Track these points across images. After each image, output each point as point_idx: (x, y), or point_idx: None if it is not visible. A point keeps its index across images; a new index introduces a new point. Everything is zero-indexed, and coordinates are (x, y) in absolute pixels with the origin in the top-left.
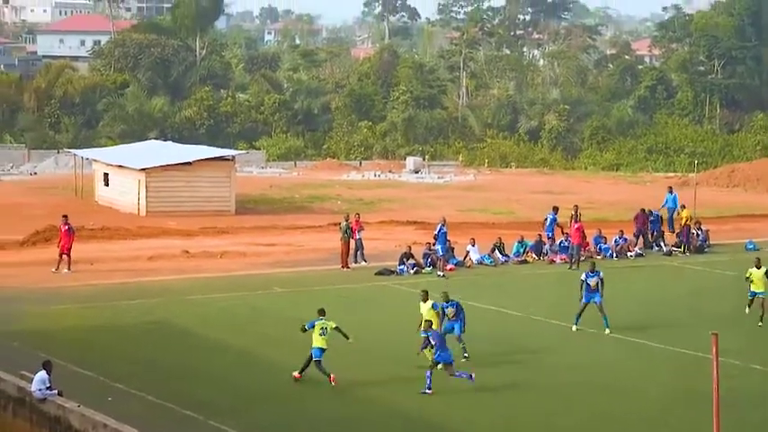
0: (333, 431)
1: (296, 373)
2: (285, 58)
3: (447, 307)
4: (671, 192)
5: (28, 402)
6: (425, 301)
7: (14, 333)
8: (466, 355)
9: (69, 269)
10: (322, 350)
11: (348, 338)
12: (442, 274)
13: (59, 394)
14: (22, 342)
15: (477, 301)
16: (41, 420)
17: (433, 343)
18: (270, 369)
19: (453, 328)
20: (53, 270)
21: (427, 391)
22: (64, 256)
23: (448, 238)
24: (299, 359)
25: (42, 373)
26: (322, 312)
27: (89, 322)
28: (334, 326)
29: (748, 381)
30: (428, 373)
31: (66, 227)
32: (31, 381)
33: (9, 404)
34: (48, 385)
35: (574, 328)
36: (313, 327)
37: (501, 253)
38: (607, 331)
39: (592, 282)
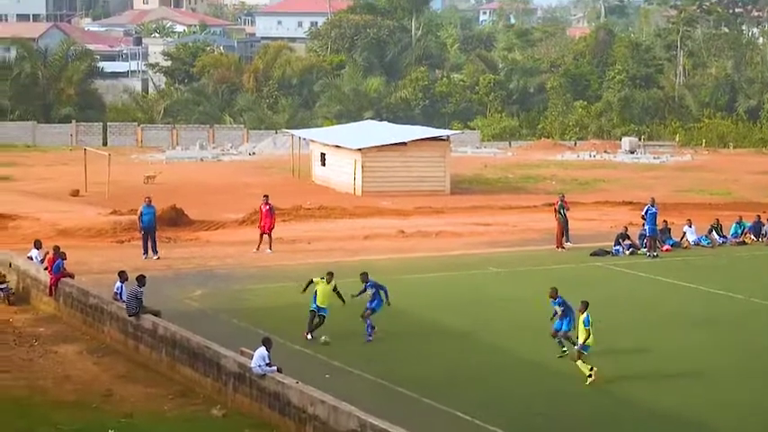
0: (547, 411)
1: None
2: (500, 37)
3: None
4: None
5: (248, 378)
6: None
7: (235, 311)
8: (565, 350)
9: (270, 249)
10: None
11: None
12: (651, 254)
13: (279, 371)
14: (243, 319)
15: (693, 283)
16: (261, 396)
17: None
18: (485, 349)
19: (561, 326)
20: (254, 250)
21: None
22: (265, 236)
23: (663, 218)
24: (516, 339)
25: (262, 350)
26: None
27: (306, 300)
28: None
29: None
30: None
31: (268, 207)
32: (251, 357)
33: (230, 379)
34: (267, 362)
35: None
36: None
37: (719, 234)
38: None
39: None
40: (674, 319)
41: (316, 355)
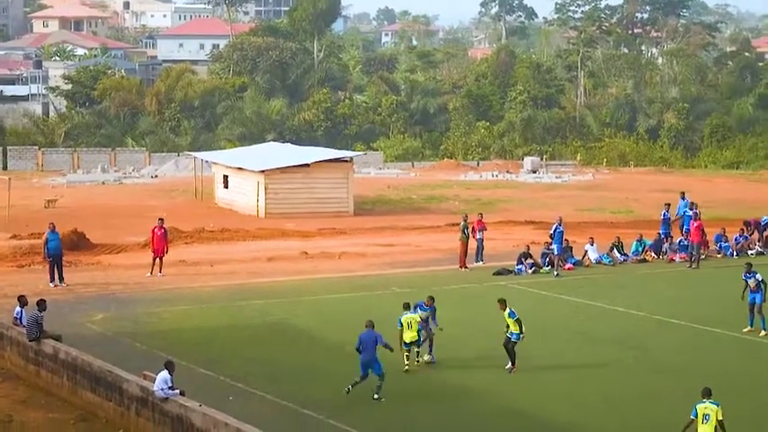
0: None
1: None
2: (402, 59)
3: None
4: (683, 198)
5: (150, 402)
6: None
7: (137, 334)
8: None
9: (161, 272)
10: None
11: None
12: (557, 273)
13: (181, 394)
14: (145, 343)
15: (595, 301)
16: (164, 420)
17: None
18: (388, 369)
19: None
20: (148, 274)
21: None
22: (157, 260)
23: (565, 237)
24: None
25: (164, 373)
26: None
27: (210, 323)
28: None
29: None
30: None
31: (162, 230)
32: (153, 381)
33: (132, 404)
34: (170, 385)
35: (745, 329)
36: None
37: (620, 252)
38: (762, 333)
39: (751, 282)
40: (578, 337)
41: (219, 378)
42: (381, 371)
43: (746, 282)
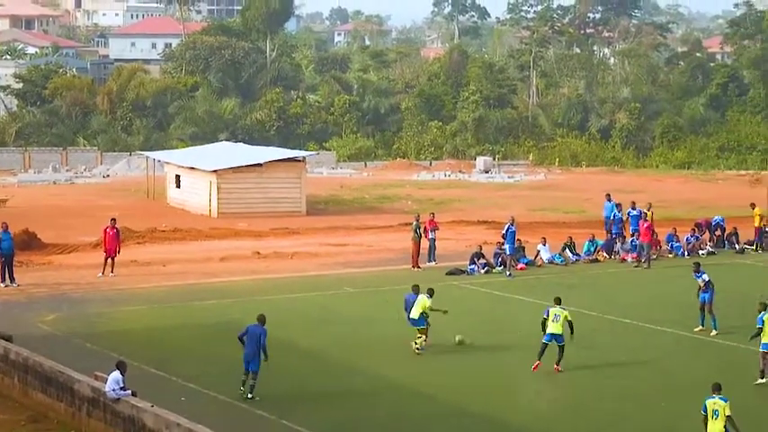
0: (398, 429)
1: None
2: (355, 59)
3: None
4: (609, 200)
5: (102, 402)
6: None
7: (88, 335)
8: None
9: (113, 272)
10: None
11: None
12: (509, 273)
13: (133, 394)
14: (96, 343)
15: (547, 301)
16: (115, 420)
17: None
18: (341, 369)
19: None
20: (100, 275)
21: None
22: (109, 260)
23: (517, 237)
24: (369, 359)
25: (116, 374)
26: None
27: (162, 323)
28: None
29: None
30: None
31: (114, 230)
32: (105, 381)
33: (84, 405)
34: (121, 385)
35: (696, 328)
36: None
37: (572, 252)
38: (714, 333)
39: (699, 282)
40: (530, 337)
41: (171, 378)
42: (257, 368)
43: (697, 281)
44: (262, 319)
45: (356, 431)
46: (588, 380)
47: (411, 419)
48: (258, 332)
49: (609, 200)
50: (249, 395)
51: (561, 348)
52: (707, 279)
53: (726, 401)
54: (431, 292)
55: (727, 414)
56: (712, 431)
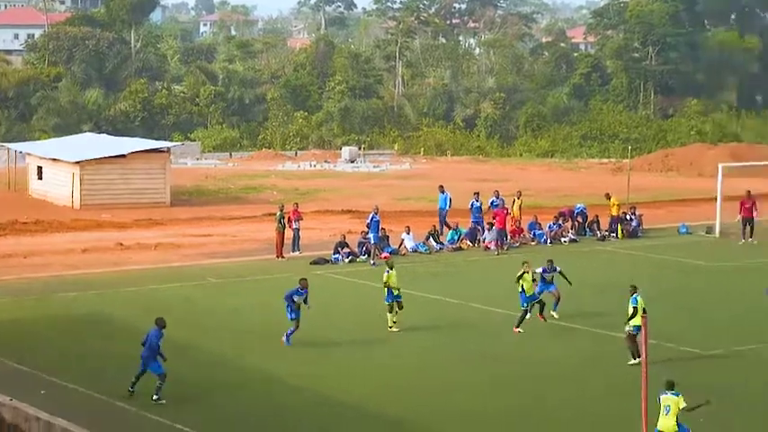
0: (270, 420)
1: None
2: (221, 49)
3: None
4: (442, 191)
5: None
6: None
7: None
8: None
9: None
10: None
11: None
12: (373, 262)
13: None
14: None
15: (412, 289)
16: None
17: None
18: (206, 359)
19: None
20: None
21: None
22: None
23: (381, 226)
24: (234, 348)
25: None
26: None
27: (23, 315)
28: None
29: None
30: None
31: None
32: None
33: None
34: None
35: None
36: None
37: (436, 241)
38: (553, 314)
39: (548, 276)
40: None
41: (31, 371)
42: (162, 370)
43: (542, 275)
44: (161, 324)
45: (226, 423)
46: (446, 365)
47: (281, 410)
48: (151, 334)
49: (442, 192)
50: (155, 397)
51: None
52: (558, 270)
53: (678, 396)
54: (391, 265)
55: (681, 407)
56: (664, 426)
